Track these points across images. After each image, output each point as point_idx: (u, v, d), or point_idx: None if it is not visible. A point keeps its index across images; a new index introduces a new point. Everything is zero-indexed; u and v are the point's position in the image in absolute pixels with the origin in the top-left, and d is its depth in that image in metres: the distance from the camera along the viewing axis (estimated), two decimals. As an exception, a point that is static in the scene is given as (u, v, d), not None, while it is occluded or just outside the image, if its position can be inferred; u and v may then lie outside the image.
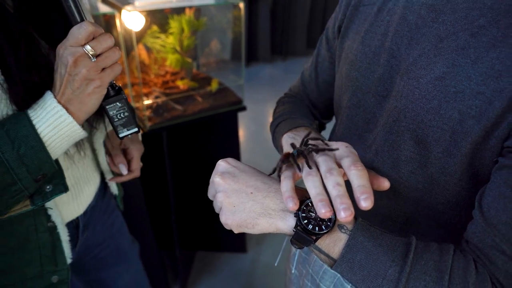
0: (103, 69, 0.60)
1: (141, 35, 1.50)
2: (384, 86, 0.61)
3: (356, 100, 0.66)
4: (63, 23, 0.59)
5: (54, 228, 0.76)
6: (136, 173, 0.96)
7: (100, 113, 0.81)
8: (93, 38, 0.58)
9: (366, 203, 0.42)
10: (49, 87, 0.62)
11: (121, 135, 0.69)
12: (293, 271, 0.88)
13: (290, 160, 0.51)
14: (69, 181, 0.80)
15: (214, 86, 1.69)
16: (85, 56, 0.57)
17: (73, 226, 0.86)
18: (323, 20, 5.25)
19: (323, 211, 0.43)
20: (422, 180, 0.58)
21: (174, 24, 1.50)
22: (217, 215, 0.54)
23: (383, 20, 0.61)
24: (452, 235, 0.61)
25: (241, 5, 1.54)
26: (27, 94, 0.62)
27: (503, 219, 0.45)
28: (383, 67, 0.60)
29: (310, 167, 0.48)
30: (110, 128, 0.90)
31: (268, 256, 2.11)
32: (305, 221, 0.47)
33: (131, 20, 1.29)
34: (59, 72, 0.59)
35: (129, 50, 1.41)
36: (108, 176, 0.94)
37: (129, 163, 0.94)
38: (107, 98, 0.64)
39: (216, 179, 0.53)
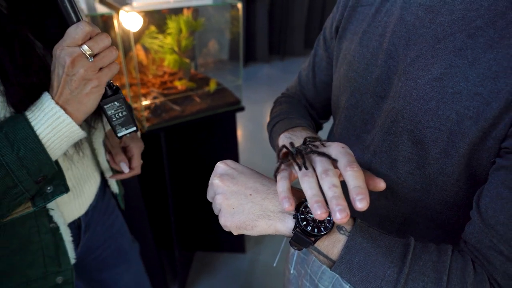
0: (101, 68, 0.60)
1: (139, 36, 1.50)
2: (382, 87, 0.61)
3: (354, 101, 0.67)
4: (58, 23, 0.59)
5: (56, 229, 0.75)
6: (137, 170, 0.95)
7: (98, 113, 0.81)
8: (90, 38, 0.58)
9: (361, 204, 0.42)
10: (46, 88, 0.61)
11: (119, 135, 0.69)
12: (291, 272, 0.88)
13: (289, 158, 0.51)
14: (69, 182, 0.80)
15: (212, 86, 1.69)
16: (83, 56, 0.57)
17: (75, 226, 0.86)
18: (321, 20, 5.26)
19: (318, 212, 0.43)
20: (420, 181, 0.58)
21: (172, 25, 1.50)
22: (216, 215, 0.54)
23: (380, 21, 0.62)
24: (450, 235, 0.61)
25: (239, 5, 1.54)
26: (24, 96, 0.62)
27: (500, 219, 0.45)
28: (381, 68, 0.60)
29: (306, 168, 0.48)
30: (108, 127, 0.90)
31: (267, 256, 2.11)
32: (304, 222, 0.47)
33: (129, 20, 1.29)
34: (56, 73, 0.59)
35: (127, 50, 1.41)
36: (108, 174, 0.94)
37: (129, 160, 0.94)
38: (105, 97, 0.64)
39: (215, 181, 0.53)
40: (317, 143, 0.53)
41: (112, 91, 0.65)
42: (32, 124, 0.59)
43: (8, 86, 0.61)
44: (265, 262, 2.08)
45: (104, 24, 1.37)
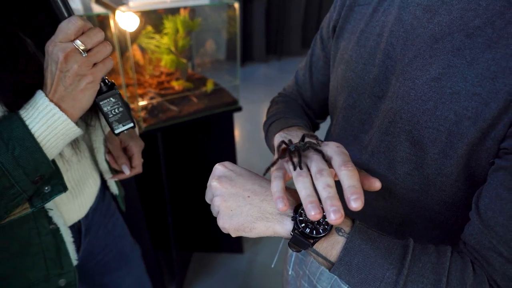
0: (95, 64, 0.59)
1: (135, 36, 1.50)
2: (380, 87, 0.61)
3: (351, 101, 0.66)
4: (49, 21, 0.58)
5: (56, 230, 0.74)
6: (138, 169, 0.95)
7: (95, 110, 0.80)
8: (83, 33, 0.57)
9: (356, 204, 0.41)
10: (40, 87, 0.60)
11: (116, 131, 0.68)
12: (290, 272, 0.88)
13: (286, 155, 0.51)
14: (69, 184, 0.79)
15: (209, 86, 1.69)
16: (76, 52, 0.56)
17: (75, 230, 0.85)
18: (318, 19, 5.26)
19: (312, 213, 0.42)
20: (418, 181, 0.58)
21: (168, 25, 1.49)
22: (214, 216, 0.54)
23: (378, 20, 0.61)
24: (449, 235, 0.61)
25: (236, 5, 1.54)
26: (17, 95, 0.61)
27: (500, 221, 0.45)
28: (379, 68, 0.60)
29: (301, 168, 0.47)
30: (108, 129, 0.89)
31: (265, 256, 2.11)
32: (303, 224, 0.47)
33: (126, 20, 1.28)
34: (49, 70, 0.58)
35: (123, 51, 1.40)
36: (107, 175, 0.93)
37: (130, 159, 0.93)
38: (100, 94, 0.63)
39: (213, 183, 0.53)
40: (314, 141, 0.52)
41: (107, 87, 0.64)
42: (27, 122, 0.58)
43: (0, 85, 0.60)
44: (263, 262, 2.08)
45: (101, 24, 1.36)
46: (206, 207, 0.57)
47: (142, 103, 1.53)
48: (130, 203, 1.42)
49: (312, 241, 0.47)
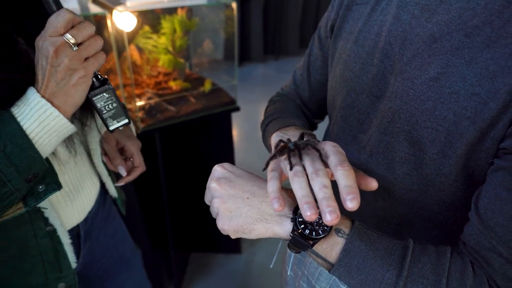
0: (86, 59, 0.58)
1: (132, 36, 1.49)
2: (378, 87, 0.61)
3: (350, 101, 0.66)
4: (40, 21, 0.58)
5: (53, 231, 0.73)
6: (142, 167, 0.94)
7: (90, 109, 0.79)
8: (73, 27, 0.56)
9: (352, 204, 0.41)
10: (33, 84, 0.59)
11: (111, 128, 0.67)
12: (288, 273, 0.88)
13: (285, 153, 0.50)
14: (66, 187, 0.78)
15: (207, 86, 1.68)
16: (66, 45, 0.55)
17: (73, 234, 0.83)
18: (316, 19, 5.26)
19: (308, 214, 0.42)
20: (417, 181, 0.58)
21: (166, 25, 1.49)
22: (212, 216, 0.53)
23: (376, 19, 0.61)
24: (448, 235, 0.61)
25: (234, 5, 1.54)
26: (9, 93, 0.60)
27: (499, 221, 0.45)
28: (377, 67, 0.60)
29: (302, 167, 0.47)
30: (103, 130, 0.88)
31: (263, 256, 2.11)
32: (302, 226, 0.47)
33: (123, 20, 1.28)
34: (40, 65, 0.57)
35: (120, 51, 1.39)
36: (104, 177, 0.92)
37: (126, 160, 0.92)
38: (93, 89, 0.62)
39: (212, 185, 0.52)
40: (312, 139, 0.52)
41: (100, 83, 0.63)
42: (18, 119, 0.57)
43: None
44: (261, 262, 2.08)
45: (98, 24, 1.35)
46: (204, 208, 0.57)
47: (139, 103, 1.53)
48: (128, 204, 1.42)
49: (311, 242, 0.47)
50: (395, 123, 0.57)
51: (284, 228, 0.48)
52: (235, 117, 2.74)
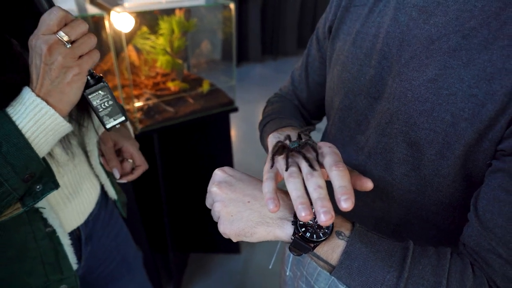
0: (81, 56, 0.58)
1: (130, 37, 1.49)
2: (376, 88, 0.61)
3: (348, 102, 0.66)
4: (34, 22, 0.57)
5: (53, 232, 0.73)
6: (144, 165, 0.94)
7: (87, 109, 0.79)
8: (66, 25, 0.56)
9: (346, 204, 0.42)
10: (28, 85, 0.59)
11: (108, 126, 0.66)
12: (287, 273, 0.88)
13: (284, 153, 0.50)
14: (66, 189, 0.78)
15: (205, 87, 1.68)
16: (59, 43, 0.55)
17: (74, 237, 0.83)
18: (314, 19, 5.26)
19: (303, 214, 0.42)
20: (415, 182, 0.58)
21: (164, 25, 1.49)
22: (210, 216, 0.54)
23: (374, 21, 0.61)
24: (446, 236, 0.61)
25: (232, 6, 1.54)
26: (3, 95, 0.59)
27: (498, 222, 0.46)
28: (375, 69, 0.60)
29: (313, 168, 0.47)
30: (101, 130, 0.88)
31: (262, 257, 2.11)
32: (303, 229, 0.47)
33: (121, 21, 1.28)
34: (34, 64, 0.56)
35: (118, 51, 1.39)
36: (102, 179, 0.92)
37: (123, 161, 0.92)
38: (88, 87, 0.62)
39: (213, 189, 0.53)
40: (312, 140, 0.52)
41: (95, 81, 0.63)
42: (14, 118, 0.57)
43: None
44: (260, 262, 2.08)
45: (95, 25, 1.35)
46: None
47: (138, 104, 1.53)
48: (127, 205, 1.42)
49: (312, 245, 0.47)
50: (393, 124, 0.57)
51: (285, 231, 0.48)
52: (233, 118, 2.74)
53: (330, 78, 0.71)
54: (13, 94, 0.59)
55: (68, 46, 0.56)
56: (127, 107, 1.51)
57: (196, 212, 1.88)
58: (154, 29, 1.50)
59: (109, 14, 1.24)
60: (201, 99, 1.65)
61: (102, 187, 0.94)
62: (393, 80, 0.57)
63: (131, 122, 1.44)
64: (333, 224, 0.48)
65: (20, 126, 0.57)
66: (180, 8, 1.50)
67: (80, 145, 0.84)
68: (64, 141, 0.75)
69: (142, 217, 1.55)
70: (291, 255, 0.86)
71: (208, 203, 0.55)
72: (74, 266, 0.78)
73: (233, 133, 3.38)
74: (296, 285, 0.83)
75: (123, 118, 0.67)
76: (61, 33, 0.55)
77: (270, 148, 0.57)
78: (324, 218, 0.41)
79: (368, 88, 0.62)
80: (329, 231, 0.47)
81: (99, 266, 0.95)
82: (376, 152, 0.62)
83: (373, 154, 0.62)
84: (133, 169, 0.94)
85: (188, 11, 1.57)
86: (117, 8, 1.29)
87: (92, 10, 1.26)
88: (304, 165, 0.47)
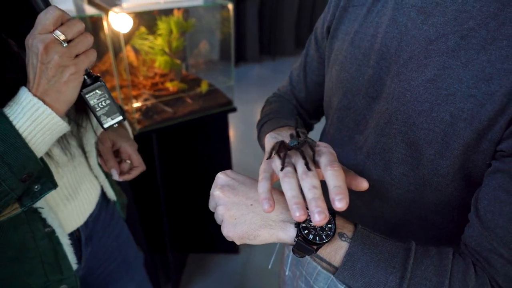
0: (77, 56, 0.58)
1: (129, 37, 1.49)
2: (374, 88, 0.61)
3: (346, 102, 0.67)
4: (31, 22, 0.57)
5: (52, 232, 0.73)
6: (142, 166, 0.94)
7: (84, 110, 0.79)
8: (62, 24, 0.56)
9: (340, 204, 0.42)
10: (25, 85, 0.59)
11: (105, 125, 0.66)
12: (287, 273, 0.88)
13: (282, 149, 0.51)
14: (65, 190, 0.78)
15: (203, 87, 1.68)
16: (56, 42, 0.55)
17: (74, 238, 0.83)
18: (311, 19, 5.27)
19: (297, 214, 0.42)
20: (414, 182, 0.58)
21: (162, 26, 1.48)
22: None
23: (372, 21, 0.61)
24: (445, 235, 0.61)
25: (230, 6, 1.54)
26: (2, 95, 0.59)
27: (500, 223, 0.46)
28: (373, 69, 0.60)
29: (309, 168, 0.47)
30: (99, 131, 0.88)
31: (261, 257, 2.11)
32: (306, 231, 0.47)
33: (119, 22, 1.28)
34: (31, 63, 0.56)
35: (117, 52, 1.39)
36: (101, 180, 0.92)
37: (121, 162, 0.92)
38: (85, 87, 0.62)
39: (216, 193, 0.53)
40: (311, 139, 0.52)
41: (92, 80, 0.63)
42: (11, 118, 0.57)
43: None
44: (259, 263, 2.08)
45: (94, 25, 1.35)
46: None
47: (136, 104, 1.53)
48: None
49: (315, 247, 0.47)
50: (392, 125, 0.58)
51: (288, 234, 0.49)
52: (231, 117, 2.74)
53: (328, 78, 0.71)
54: (11, 94, 0.59)
55: (64, 45, 0.56)
56: (125, 107, 1.51)
57: (195, 212, 1.88)
58: (152, 29, 1.50)
59: (107, 14, 1.24)
60: (200, 99, 1.65)
61: (103, 188, 0.94)
62: (392, 80, 0.57)
63: (129, 123, 1.44)
64: (335, 226, 0.48)
65: (17, 126, 0.57)
66: (179, 9, 1.50)
67: (79, 146, 0.84)
68: (63, 141, 0.75)
69: (141, 218, 1.55)
70: (290, 254, 0.86)
71: (211, 207, 0.55)
72: (74, 266, 0.77)
73: (231, 133, 3.38)
74: (296, 285, 0.83)
75: (120, 118, 0.67)
76: (58, 32, 0.55)
77: (266, 148, 0.58)
78: (319, 218, 0.41)
79: (366, 88, 0.62)
80: (332, 233, 0.48)
81: (99, 267, 0.95)
82: (375, 152, 0.62)
83: (372, 154, 0.63)
84: (130, 169, 0.94)
85: (186, 11, 1.57)
86: (115, 9, 1.29)
87: (90, 10, 1.26)
88: (299, 165, 0.48)
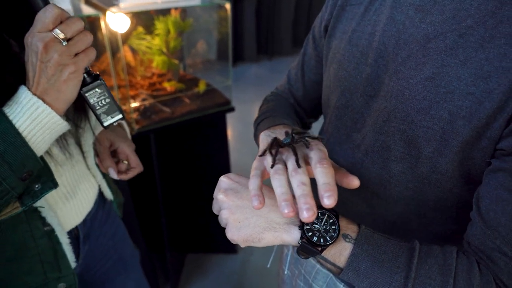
0: (77, 54, 0.58)
1: (126, 37, 1.49)
2: (372, 86, 0.61)
3: (344, 100, 0.67)
4: (31, 22, 0.57)
5: (51, 231, 0.73)
6: (139, 167, 0.94)
7: (84, 110, 0.79)
8: (61, 22, 0.56)
9: (329, 201, 0.42)
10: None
11: (105, 124, 0.66)
12: (285, 272, 0.88)
13: (274, 146, 0.51)
14: (64, 188, 0.78)
15: (201, 87, 1.68)
16: (55, 41, 0.55)
17: (72, 236, 0.83)
18: (308, 18, 5.27)
19: (286, 211, 0.43)
20: (412, 179, 0.58)
21: (160, 26, 1.48)
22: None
23: (370, 19, 0.62)
24: (444, 231, 0.61)
25: (227, 6, 1.54)
26: (3, 95, 0.59)
27: (502, 221, 0.46)
28: (371, 67, 0.60)
29: (299, 165, 0.47)
30: (98, 131, 0.88)
31: (259, 256, 2.11)
32: (310, 233, 0.47)
33: (116, 21, 1.27)
34: (30, 62, 0.56)
35: (114, 52, 1.39)
36: (98, 179, 0.92)
37: (118, 162, 0.92)
38: (85, 85, 0.62)
39: (220, 196, 0.53)
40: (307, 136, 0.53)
41: (91, 78, 0.63)
42: (10, 117, 0.57)
43: None
44: (257, 262, 2.08)
45: (91, 25, 1.35)
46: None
47: (134, 104, 1.52)
48: (123, 205, 1.41)
49: (319, 248, 0.48)
50: (390, 123, 0.58)
51: (292, 236, 0.49)
52: (229, 117, 2.74)
53: (326, 76, 0.72)
54: (9, 94, 0.59)
55: (64, 44, 0.55)
56: (123, 107, 1.51)
57: (193, 212, 1.87)
58: (149, 29, 1.50)
59: (104, 14, 1.24)
60: (198, 99, 1.65)
61: (100, 187, 0.94)
62: (390, 79, 0.57)
63: (127, 123, 1.44)
64: (339, 227, 0.49)
65: (17, 125, 0.57)
66: (176, 8, 1.50)
67: (78, 145, 0.84)
68: (61, 140, 0.75)
69: (139, 217, 1.54)
70: (289, 254, 0.86)
71: (215, 210, 0.55)
72: (73, 264, 0.78)
73: (229, 132, 3.38)
74: (294, 283, 0.83)
75: (120, 116, 0.67)
76: (57, 31, 0.55)
77: (261, 146, 0.58)
78: (307, 215, 0.42)
79: (364, 86, 0.62)
80: (336, 234, 0.48)
81: (96, 265, 0.95)
82: (373, 150, 0.62)
83: (370, 152, 0.63)
84: (127, 170, 0.94)
85: (184, 11, 1.56)
86: (113, 9, 1.29)
87: (87, 10, 1.26)
88: (290, 162, 0.48)
